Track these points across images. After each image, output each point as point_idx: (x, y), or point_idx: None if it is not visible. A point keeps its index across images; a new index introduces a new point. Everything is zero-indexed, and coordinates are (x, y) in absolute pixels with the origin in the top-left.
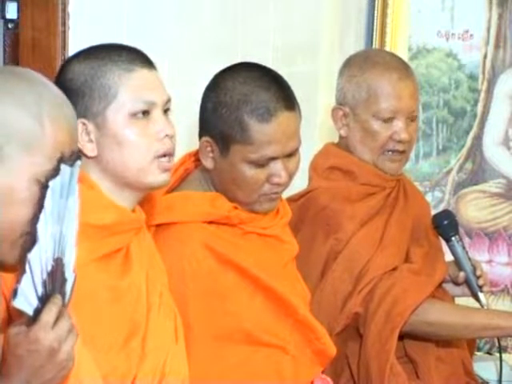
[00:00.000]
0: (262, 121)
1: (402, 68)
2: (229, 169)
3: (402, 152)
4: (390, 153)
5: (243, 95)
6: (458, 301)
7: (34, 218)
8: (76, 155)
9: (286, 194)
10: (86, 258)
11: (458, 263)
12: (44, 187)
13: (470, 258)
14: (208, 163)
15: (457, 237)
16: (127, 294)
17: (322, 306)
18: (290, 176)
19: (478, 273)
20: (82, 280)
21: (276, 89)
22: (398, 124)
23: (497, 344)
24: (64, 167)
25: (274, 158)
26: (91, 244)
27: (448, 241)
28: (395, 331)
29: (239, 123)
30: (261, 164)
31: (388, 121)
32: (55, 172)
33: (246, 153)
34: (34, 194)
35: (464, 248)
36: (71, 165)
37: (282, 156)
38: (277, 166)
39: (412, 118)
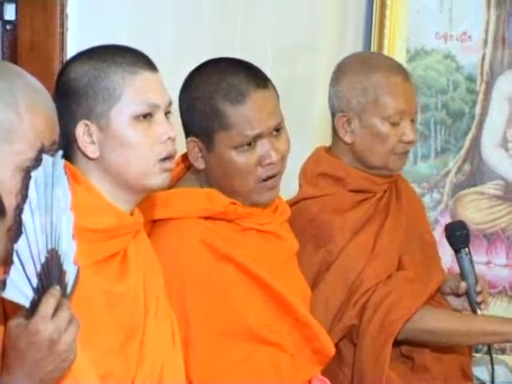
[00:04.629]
0: (236, 103)
1: (402, 70)
2: (219, 162)
3: (408, 152)
4: (399, 155)
5: (213, 85)
6: None
7: (18, 209)
8: (57, 145)
9: (284, 195)
10: (84, 262)
11: (462, 275)
12: (26, 177)
13: (475, 274)
14: (199, 164)
15: (466, 249)
16: (124, 298)
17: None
18: (282, 156)
19: (478, 289)
20: (78, 284)
21: (244, 71)
22: (406, 125)
23: (495, 345)
24: (45, 157)
25: (258, 137)
26: (89, 248)
27: (457, 252)
28: (390, 340)
29: (215, 112)
30: (247, 147)
31: (396, 123)
32: (37, 162)
33: (230, 139)
34: (20, 183)
35: (471, 262)
36: (52, 154)
37: (267, 134)
38: (265, 147)
39: (414, 119)
